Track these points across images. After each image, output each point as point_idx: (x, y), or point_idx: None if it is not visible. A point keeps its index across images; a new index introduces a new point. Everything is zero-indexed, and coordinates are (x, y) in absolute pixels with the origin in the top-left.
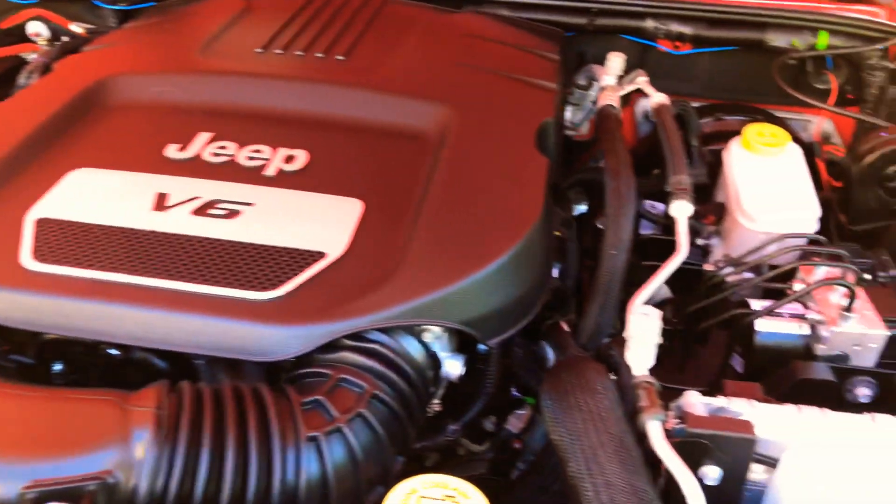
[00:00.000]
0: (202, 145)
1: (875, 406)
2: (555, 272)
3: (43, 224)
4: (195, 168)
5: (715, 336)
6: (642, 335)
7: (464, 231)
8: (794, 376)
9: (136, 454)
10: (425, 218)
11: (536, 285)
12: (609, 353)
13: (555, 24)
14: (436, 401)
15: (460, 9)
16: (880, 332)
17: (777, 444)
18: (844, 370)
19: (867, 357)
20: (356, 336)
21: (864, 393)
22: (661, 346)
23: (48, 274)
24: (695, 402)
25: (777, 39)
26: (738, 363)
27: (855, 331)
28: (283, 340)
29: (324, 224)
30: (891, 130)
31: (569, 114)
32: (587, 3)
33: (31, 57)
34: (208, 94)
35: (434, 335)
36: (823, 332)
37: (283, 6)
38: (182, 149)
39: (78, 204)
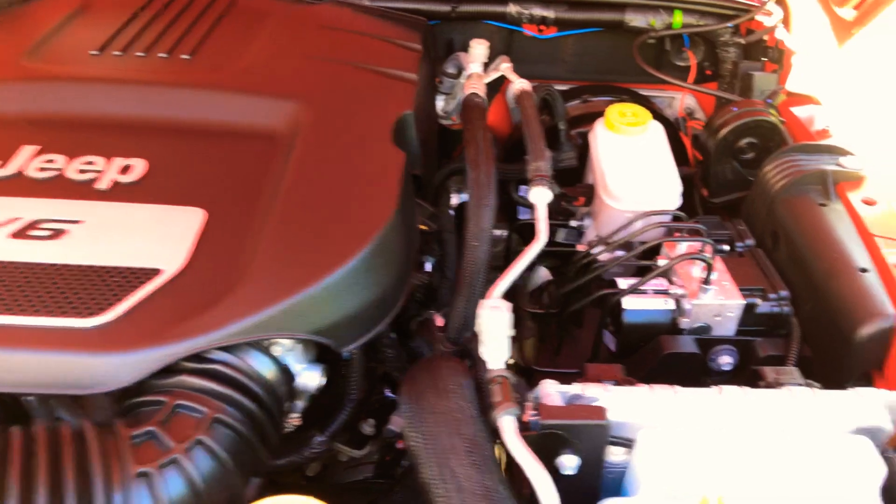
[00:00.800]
0: (26, 160)
1: (736, 372)
2: (428, 266)
3: None
4: (18, 186)
5: (590, 316)
6: (493, 330)
7: (311, 236)
8: (660, 351)
9: None
10: (272, 224)
11: (393, 286)
12: (469, 348)
13: (418, 13)
14: (295, 415)
15: (320, 0)
16: (737, 302)
17: (632, 425)
18: (707, 341)
19: (727, 326)
20: (197, 357)
21: (726, 361)
22: (540, 330)
23: None
24: (551, 391)
25: (636, 20)
26: (611, 341)
27: (714, 302)
28: (113, 370)
29: (161, 238)
30: (741, 104)
31: (441, 103)
32: None
33: None
34: (33, 102)
35: (285, 348)
36: (686, 305)
37: (124, 5)
38: (2, 165)
39: None
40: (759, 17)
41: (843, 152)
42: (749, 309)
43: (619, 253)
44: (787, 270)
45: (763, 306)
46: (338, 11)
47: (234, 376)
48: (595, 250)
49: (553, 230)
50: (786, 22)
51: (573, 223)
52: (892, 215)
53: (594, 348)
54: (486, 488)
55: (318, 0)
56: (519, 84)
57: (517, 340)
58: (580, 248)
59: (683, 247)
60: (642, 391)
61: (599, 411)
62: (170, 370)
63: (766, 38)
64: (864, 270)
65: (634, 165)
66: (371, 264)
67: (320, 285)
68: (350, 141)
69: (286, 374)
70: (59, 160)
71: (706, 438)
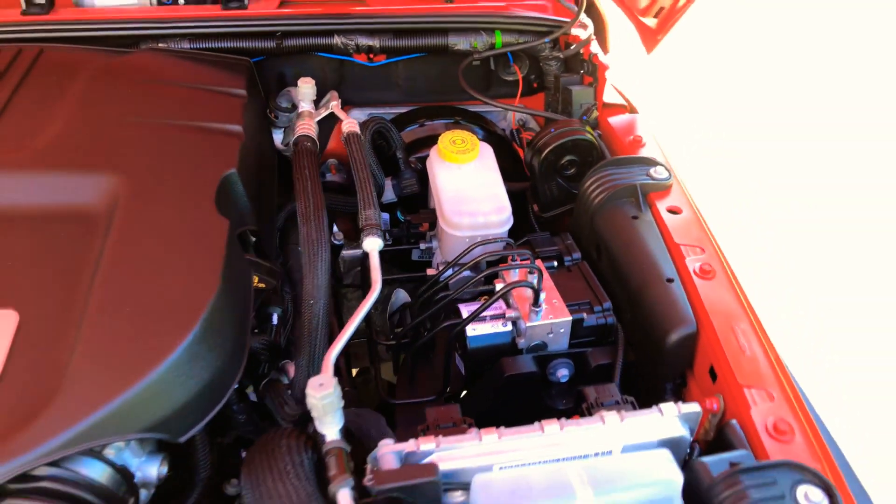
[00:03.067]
0: None
1: (574, 380)
2: (275, 318)
3: None
4: None
5: (442, 338)
6: (322, 406)
7: (131, 329)
8: (502, 374)
9: None
10: (89, 319)
11: (226, 365)
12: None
13: (242, 52)
14: None
15: (136, 47)
16: (565, 319)
17: (465, 470)
18: (544, 357)
19: (560, 341)
20: (22, 477)
21: (563, 373)
22: (395, 359)
23: None
24: (386, 453)
25: (459, 43)
26: (461, 364)
27: (545, 322)
28: None
29: None
30: (559, 125)
31: (280, 136)
32: (271, 27)
33: None
34: None
35: (118, 448)
36: (522, 326)
37: None
38: None
39: None
40: (575, 31)
41: (652, 163)
42: (577, 323)
43: (466, 274)
44: (610, 281)
45: (589, 319)
46: (153, 60)
47: (65, 491)
48: (445, 274)
49: (408, 252)
50: (602, 33)
51: (422, 246)
52: (694, 222)
53: (445, 373)
54: None
55: (132, 48)
56: (347, 125)
57: (374, 373)
58: (430, 272)
59: (514, 273)
60: (471, 438)
61: (431, 468)
62: None
63: (581, 51)
64: (670, 280)
65: (467, 192)
66: (197, 350)
67: (143, 384)
68: (169, 214)
69: (124, 473)
70: None
71: (532, 472)
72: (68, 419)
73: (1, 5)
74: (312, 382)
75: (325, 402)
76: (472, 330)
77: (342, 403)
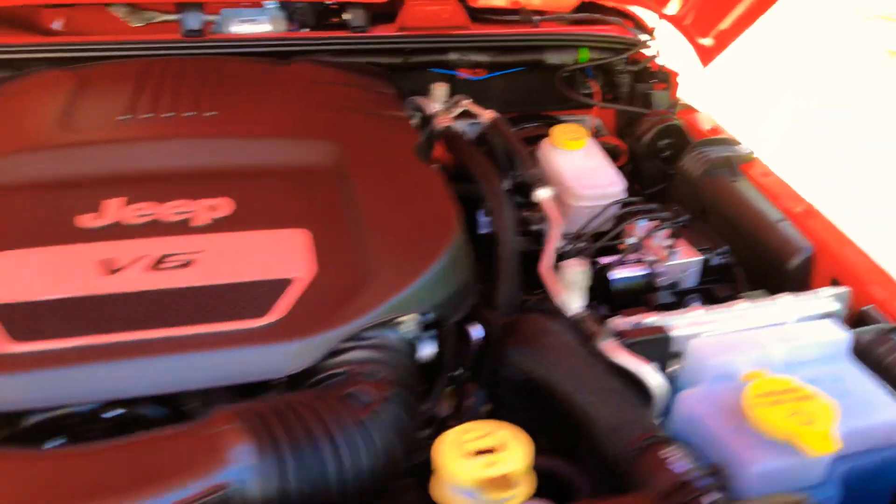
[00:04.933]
0: (117, 210)
1: None
2: None
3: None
4: (120, 232)
5: None
6: (577, 281)
7: (407, 237)
8: (650, 306)
9: (241, 464)
10: (370, 233)
11: (471, 276)
12: (540, 307)
13: (375, 65)
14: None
15: (289, 60)
16: (697, 258)
17: (679, 338)
18: (680, 292)
19: (691, 279)
20: (351, 339)
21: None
22: None
23: (41, 351)
24: (620, 322)
25: (552, 58)
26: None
27: (681, 261)
28: (296, 355)
29: (284, 255)
30: (652, 115)
31: None
32: (400, 44)
33: None
34: (89, 165)
35: (406, 325)
36: (660, 268)
37: (115, 77)
38: (97, 217)
39: (17, 285)
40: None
41: (735, 142)
42: (705, 263)
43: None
44: (720, 234)
45: (714, 259)
46: (313, 68)
47: (387, 347)
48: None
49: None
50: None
51: (533, 228)
52: (784, 183)
53: None
54: (614, 388)
55: (287, 60)
56: (490, 113)
57: None
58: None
59: (645, 225)
60: (680, 313)
61: (660, 328)
62: (334, 351)
63: (649, 65)
64: (780, 220)
65: (584, 171)
66: (457, 255)
67: (429, 273)
68: (393, 168)
69: (412, 345)
70: (150, 207)
71: (731, 336)
72: (381, 296)
73: (163, 29)
74: (573, 262)
75: (580, 276)
76: (616, 273)
77: (588, 284)
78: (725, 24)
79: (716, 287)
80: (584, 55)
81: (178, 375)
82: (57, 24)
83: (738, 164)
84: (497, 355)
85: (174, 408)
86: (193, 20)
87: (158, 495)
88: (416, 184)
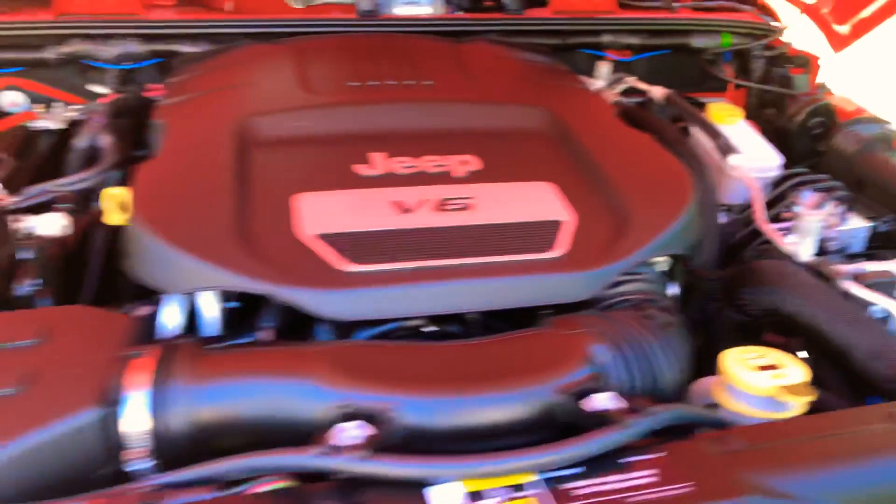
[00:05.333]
0: (384, 162)
1: None
2: None
3: (328, 238)
4: (394, 180)
5: None
6: (810, 229)
7: (653, 188)
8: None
9: (598, 361)
10: (617, 185)
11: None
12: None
13: (532, 47)
14: None
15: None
16: (866, 224)
17: None
18: (848, 257)
19: (860, 245)
20: (625, 273)
21: None
22: None
23: (370, 272)
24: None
25: (697, 42)
26: None
27: (853, 226)
28: (585, 283)
29: (543, 201)
30: (802, 96)
31: None
32: (556, 27)
33: (39, 124)
34: (344, 123)
35: (660, 266)
36: (831, 233)
37: (327, 50)
38: (370, 167)
39: (334, 219)
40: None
41: (884, 121)
42: (873, 230)
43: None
44: (878, 205)
45: (881, 227)
46: (492, 46)
47: (654, 282)
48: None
49: None
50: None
51: None
52: None
53: None
54: (868, 319)
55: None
56: (660, 89)
57: None
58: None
59: (812, 195)
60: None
61: (888, 272)
62: (612, 284)
63: (786, 50)
64: None
65: (744, 146)
66: (695, 205)
67: (682, 219)
68: (611, 131)
69: (663, 283)
70: (410, 160)
71: None
72: (647, 236)
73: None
74: (809, 211)
75: (816, 224)
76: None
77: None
78: (867, 12)
79: (881, 253)
80: (727, 40)
81: (485, 296)
82: (229, 6)
83: (892, 141)
84: (727, 297)
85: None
86: (367, 3)
87: (537, 381)
88: (638, 144)
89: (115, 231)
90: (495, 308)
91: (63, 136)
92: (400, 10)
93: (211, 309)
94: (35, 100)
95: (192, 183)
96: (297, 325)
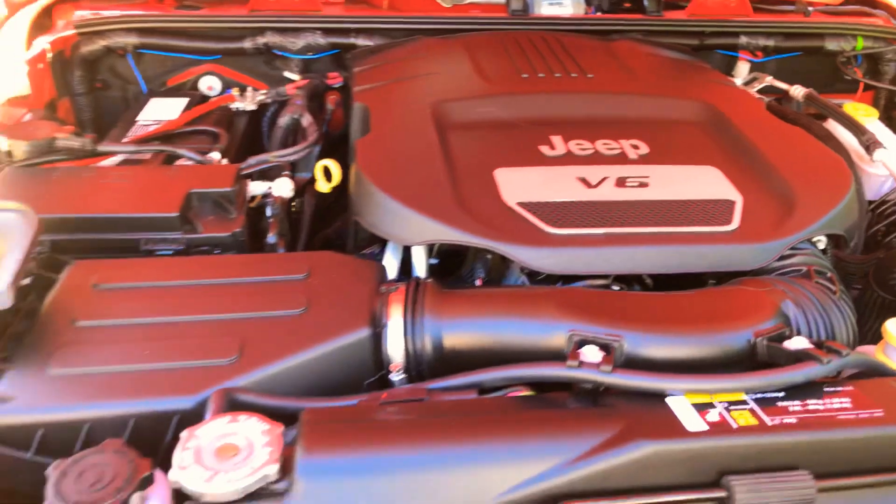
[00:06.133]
0: (564, 144)
1: None
2: None
3: (527, 206)
4: (575, 159)
5: None
6: None
7: (814, 173)
8: None
9: (788, 314)
10: (780, 169)
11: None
12: None
13: (674, 46)
14: None
15: (607, 38)
16: None
17: None
18: None
19: None
20: (793, 248)
21: None
22: None
23: (570, 234)
24: None
25: (832, 45)
26: None
27: None
28: (760, 254)
29: (712, 182)
30: None
31: None
32: (695, 28)
33: (238, 105)
34: (524, 109)
35: (820, 244)
36: None
37: (491, 45)
38: (552, 148)
39: (531, 191)
40: None
41: None
42: None
43: None
44: None
45: None
46: (639, 45)
47: (818, 256)
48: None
49: None
50: None
51: None
52: None
53: None
54: None
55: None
56: (800, 88)
57: None
58: None
59: None
60: None
61: None
62: (781, 256)
63: None
64: None
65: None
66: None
67: (845, 201)
68: (766, 123)
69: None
70: (586, 143)
71: None
72: (813, 215)
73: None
74: None
75: None
76: None
77: None
78: None
79: None
80: (861, 43)
81: (670, 260)
82: (386, 3)
83: None
84: (877, 280)
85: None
86: (517, 2)
87: (740, 325)
88: (793, 135)
89: (322, 195)
90: (678, 271)
91: (254, 116)
92: (545, 10)
93: (421, 260)
94: (226, 84)
95: (407, 157)
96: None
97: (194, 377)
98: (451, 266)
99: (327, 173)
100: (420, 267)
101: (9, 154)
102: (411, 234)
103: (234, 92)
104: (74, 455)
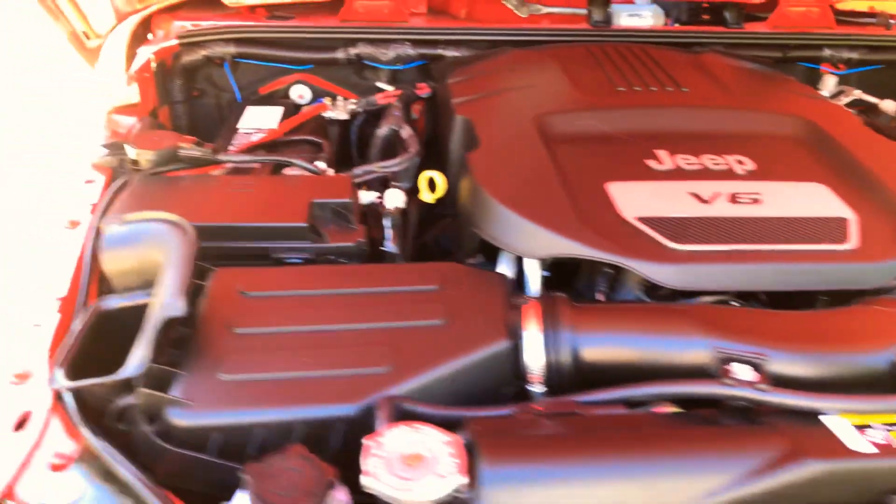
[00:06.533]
0: (670, 158)
1: None
2: None
3: (646, 221)
4: (683, 174)
5: None
6: None
7: None
8: None
9: None
10: (891, 186)
11: None
12: None
13: (758, 59)
14: None
15: (691, 50)
16: None
17: None
18: None
19: None
20: None
21: None
22: None
23: (694, 251)
24: None
25: None
26: None
27: None
28: (880, 273)
29: (823, 199)
30: None
31: None
32: (784, 41)
33: (332, 114)
34: (626, 123)
35: None
36: None
37: (580, 57)
38: (659, 162)
39: (646, 205)
40: None
41: None
42: None
43: None
44: None
45: None
46: (724, 58)
47: None
48: None
49: None
50: None
51: None
52: None
53: None
54: None
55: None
56: (890, 103)
57: None
58: None
59: None
60: None
61: None
62: None
63: None
64: None
65: None
66: None
67: None
68: (868, 139)
69: None
70: (692, 158)
71: None
72: None
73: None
74: None
75: None
76: None
77: None
78: None
79: None
80: None
81: (794, 278)
82: (463, 14)
83: None
84: None
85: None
86: (599, 13)
87: (881, 345)
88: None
89: (426, 205)
90: (799, 289)
91: (345, 125)
92: (625, 21)
93: (535, 273)
94: (315, 93)
95: (521, 170)
96: None
97: (354, 385)
98: (561, 278)
99: (432, 184)
100: (534, 279)
101: (134, 162)
102: (537, 248)
103: (327, 101)
104: (266, 459)
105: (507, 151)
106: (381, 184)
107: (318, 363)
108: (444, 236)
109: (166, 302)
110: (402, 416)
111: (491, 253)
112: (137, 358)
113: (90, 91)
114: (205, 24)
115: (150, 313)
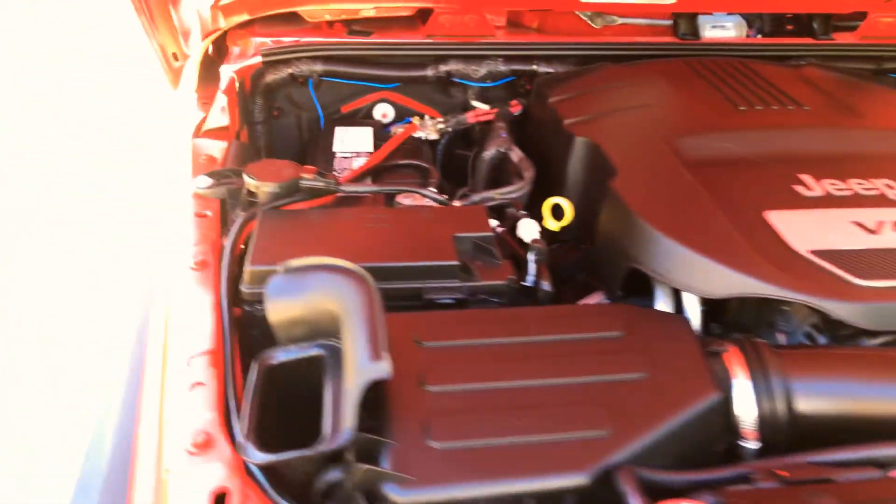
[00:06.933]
0: (816, 183)
1: None
2: None
3: (822, 254)
4: (836, 201)
5: None
6: None
7: None
8: None
9: None
10: None
11: None
12: None
13: (853, 72)
14: None
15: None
16: None
17: None
18: None
19: None
20: None
21: None
22: None
23: (885, 287)
24: None
25: None
26: None
27: None
28: None
29: None
30: None
31: None
32: (878, 52)
33: (422, 134)
34: (760, 145)
35: None
36: None
37: (681, 74)
38: (807, 189)
39: (816, 237)
40: None
41: None
42: None
43: None
44: None
45: None
46: (826, 72)
47: None
48: None
49: None
50: None
51: None
52: None
53: None
54: None
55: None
56: None
57: None
58: None
59: None
60: None
61: None
62: None
63: None
64: None
65: None
66: None
67: None
68: None
69: None
70: (840, 183)
71: None
72: None
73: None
74: None
75: None
76: None
77: None
78: None
79: None
80: None
81: None
82: (536, 25)
83: None
84: None
85: None
86: (687, 26)
87: None
88: None
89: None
90: None
91: (433, 146)
92: (709, 33)
93: (695, 309)
94: (399, 111)
95: (676, 199)
96: None
97: (578, 451)
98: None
99: (556, 211)
100: (694, 316)
101: (251, 194)
102: (717, 286)
103: (415, 121)
104: None
105: (654, 179)
106: (494, 210)
107: (533, 427)
108: (563, 267)
109: (369, 364)
110: (643, 485)
111: (633, 286)
112: (344, 427)
113: (165, 115)
114: (286, 40)
115: (346, 374)
